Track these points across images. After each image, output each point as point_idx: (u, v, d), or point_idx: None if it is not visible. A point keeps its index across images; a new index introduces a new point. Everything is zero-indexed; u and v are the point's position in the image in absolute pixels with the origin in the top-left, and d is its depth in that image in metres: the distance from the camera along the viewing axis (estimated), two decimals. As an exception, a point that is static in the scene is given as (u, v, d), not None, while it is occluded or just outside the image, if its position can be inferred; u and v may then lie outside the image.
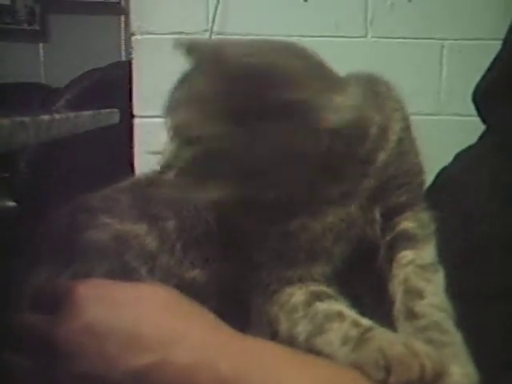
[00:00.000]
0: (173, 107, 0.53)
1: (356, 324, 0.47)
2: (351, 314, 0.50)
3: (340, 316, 0.49)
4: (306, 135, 0.48)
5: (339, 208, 0.52)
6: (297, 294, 0.52)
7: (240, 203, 0.51)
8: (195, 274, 0.57)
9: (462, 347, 0.45)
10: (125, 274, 0.56)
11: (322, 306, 0.51)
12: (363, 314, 0.50)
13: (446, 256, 0.53)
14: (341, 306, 0.51)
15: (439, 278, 0.51)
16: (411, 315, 0.48)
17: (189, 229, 0.58)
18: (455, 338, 0.46)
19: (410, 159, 0.56)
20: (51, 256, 0.57)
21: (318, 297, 0.52)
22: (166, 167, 0.52)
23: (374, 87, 0.57)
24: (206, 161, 0.50)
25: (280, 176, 0.49)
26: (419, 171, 0.57)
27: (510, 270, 0.50)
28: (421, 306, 0.49)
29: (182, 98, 0.53)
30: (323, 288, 0.53)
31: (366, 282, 0.56)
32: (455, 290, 0.50)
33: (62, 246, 0.58)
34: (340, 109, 0.49)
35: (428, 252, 0.54)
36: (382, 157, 0.53)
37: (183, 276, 0.56)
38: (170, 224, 0.58)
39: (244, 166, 0.49)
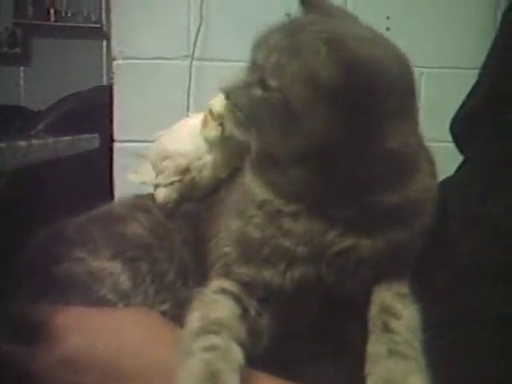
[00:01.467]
0: None
1: None
2: None
3: None
4: None
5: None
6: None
7: None
8: (166, 307, 0.57)
9: (424, 366, 0.48)
10: (101, 306, 0.55)
11: None
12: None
13: (429, 285, 0.53)
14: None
15: (415, 308, 0.53)
16: (387, 330, 0.50)
17: (162, 274, 0.58)
18: (421, 357, 0.48)
19: None
20: (27, 287, 0.57)
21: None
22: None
23: None
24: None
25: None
26: None
27: (487, 298, 0.51)
28: (396, 325, 0.51)
29: None
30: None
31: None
32: (441, 319, 0.51)
33: (38, 278, 0.57)
34: None
35: (406, 284, 0.55)
36: None
37: (155, 309, 0.56)
38: (143, 266, 0.58)
39: None
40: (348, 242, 0.51)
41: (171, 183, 0.63)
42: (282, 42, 0.52)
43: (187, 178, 0.63)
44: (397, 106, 0.51)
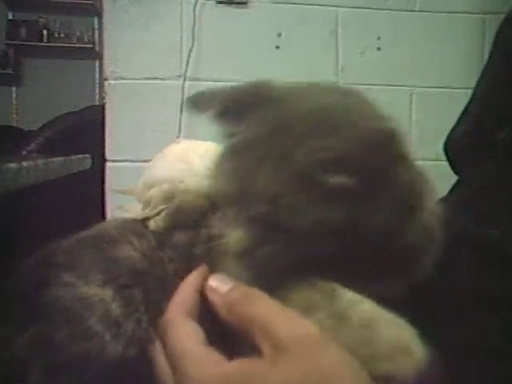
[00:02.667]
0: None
1: None
2: None
3: None
4: None
5: None
6: None
7: None
8: None
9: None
10: (87, 338, 0.54)
11: None
12: None
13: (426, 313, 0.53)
14: None
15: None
16: None
17: (156, 302, 0.55)
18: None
19: None
20: (12, 313, 0.55)
21: None
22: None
23: None
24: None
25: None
26: None
27: (487, 328, 0.50)
28: None
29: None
30: None
31: None
32: (441, 348, 0.50)
33: (24, 304, 0.56)
34: None
35: None
36: None
37: (149, 340, 0.54)
38: (137, 293, 0.56)
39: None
40: None
41: (158, 213, 0.62)
42: (279, 178, 0.45)
43: (174, 203, 0.61)
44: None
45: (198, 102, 0.53)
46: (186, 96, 1.72)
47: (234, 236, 0.46)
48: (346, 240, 0.44)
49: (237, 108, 0.49)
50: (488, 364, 0.50)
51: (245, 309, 0.45)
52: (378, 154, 0.44)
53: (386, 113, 0.50)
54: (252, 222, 0.46)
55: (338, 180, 0.43)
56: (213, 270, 0.52)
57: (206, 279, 0.50)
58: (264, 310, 0.45)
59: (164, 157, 0.68)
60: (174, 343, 0.46)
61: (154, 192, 0.63)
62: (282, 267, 0.46)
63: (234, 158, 0.47)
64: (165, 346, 0.47)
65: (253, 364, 0.43)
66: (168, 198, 0.61)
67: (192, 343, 0.45)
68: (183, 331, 0.47)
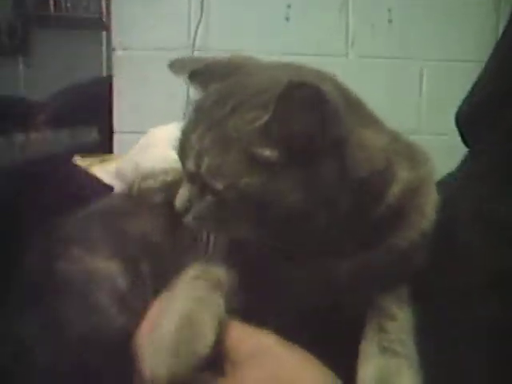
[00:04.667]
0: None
1: None
2: None
3: None
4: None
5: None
6: None
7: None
8: None
9: (416, 365, 0.47)
10: (94, 312, 0.54)
11: None
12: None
13: (431, 292, 0.52)
14: None
15: (410, 311, 0.52)
16: (382, 330, 0.50)
17: (163, 274, 0.55)
18: (414, 356, 0.48)
19: None
20: (20, 288, 0.56)
21: None
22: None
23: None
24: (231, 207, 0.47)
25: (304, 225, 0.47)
26: None
27: (498, 305, 0.50)
28: (391, 326, 0.51)
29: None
30: None
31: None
32: (447, 327, 0.50)
33: (33, 278, 0.56)
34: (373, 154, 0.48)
35: (404, 286, 0.54)
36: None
37: None
38: (144, 266, 0.56)
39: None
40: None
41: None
42: (205, 141, 0.47)
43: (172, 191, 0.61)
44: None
45: (174, 66, 0.57)
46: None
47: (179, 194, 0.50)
48: (266, 207, 0.46)
49: (203, 76, 0.53)
50: (492, 345, 0.49)
51: None
52: (306, 123, 0.44)
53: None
54: (188, 179, 0.49)
55: (262, 152, 0.45)
56: None
57: None
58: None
59: (153, 144, 0.67)
60: None
61: (150, 183, 0.62)
62: (216, 222, 0.49)
63: (186, 121, 0.50)
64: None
65: None
66: (167, 186, 0.61)
67: None
68: None
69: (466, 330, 0.50)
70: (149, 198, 0.63)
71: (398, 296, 0.53)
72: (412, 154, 0.53)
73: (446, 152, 0.74)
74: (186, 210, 0.49)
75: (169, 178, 0.62)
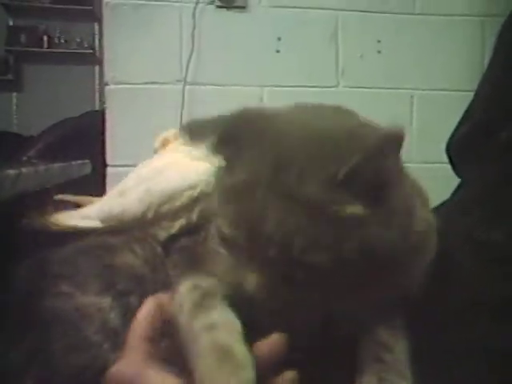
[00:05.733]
0: None
1: None
2: None
3: None
4: None
5: None
6: None
7: None
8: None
9: None
10: (85, 349, 0.53)
11: None
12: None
13: (426, 317, 0.52)
14: None
15: (405, 342, 0.52)
16: (379, 361, 0.50)
17: None
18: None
19: None
20: (8, 324, 0.55)
21: None
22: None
23: None
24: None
25: None
26: None
27: (490, 325, 0.50)
28: (389, 357, 0.50)
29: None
30: None
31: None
32: (441, 352, 0.50)
33: (20, 315, 0.55)
34: None
35: (398, 316, 0.54)
36: None
37: None
38: (134, 300, 0.56)
39: None
40: None
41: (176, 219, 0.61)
42: (289, 222, 0.43)
43: (196, 209, 0.60)
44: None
45: (194, 133, 0.53)
46: (185, 101, 1.72)
47: (251, 281, 0.45)
48: (359, 266, 0.43)
49: (228, 147, 0.48)
50: (487, 366, 0.49)
51: None
52: (383, 172, 0.44)
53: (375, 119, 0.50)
54: (267, 265, 0.44)
55: (350, 209, 0.42)
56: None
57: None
58: None
59: (162, 171, 0.66)
60: None
61: (171, 206, 0.61)
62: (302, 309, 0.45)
63: (238, 199, 0.45)
64: None
65: None
66: (191, 204, 0.60)
67: None
68: None
69: (460, 353, 0.50)
70: (156, 227, 0.62)
71: (393, 327, 0.53)
72: (419, 191, 0.54)
73: (437, 181, 0.74)
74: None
75: (196, 193, 0.60)
